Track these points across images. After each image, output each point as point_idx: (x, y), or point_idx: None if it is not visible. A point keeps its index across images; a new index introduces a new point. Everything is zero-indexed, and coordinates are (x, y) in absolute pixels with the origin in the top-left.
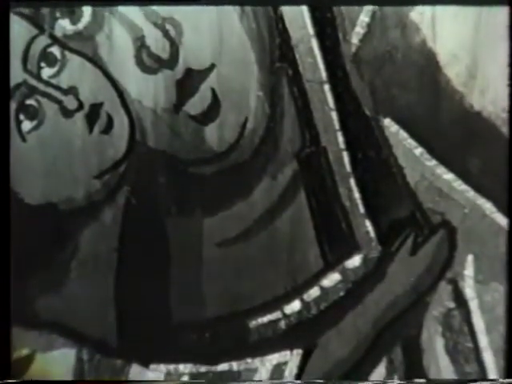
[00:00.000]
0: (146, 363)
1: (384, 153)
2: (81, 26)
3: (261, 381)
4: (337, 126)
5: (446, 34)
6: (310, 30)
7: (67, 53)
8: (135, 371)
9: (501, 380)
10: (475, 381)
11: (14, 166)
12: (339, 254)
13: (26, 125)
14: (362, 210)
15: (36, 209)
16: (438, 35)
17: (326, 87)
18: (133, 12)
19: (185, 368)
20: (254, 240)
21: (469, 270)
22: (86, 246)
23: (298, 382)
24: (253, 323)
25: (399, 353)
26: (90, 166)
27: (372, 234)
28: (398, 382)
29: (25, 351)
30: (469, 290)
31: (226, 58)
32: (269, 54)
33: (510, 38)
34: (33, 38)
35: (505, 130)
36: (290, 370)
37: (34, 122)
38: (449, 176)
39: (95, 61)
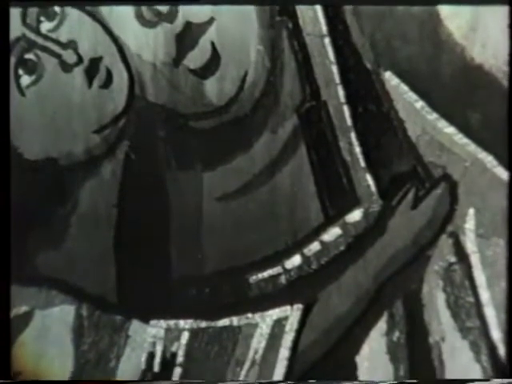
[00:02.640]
0: (146, 319)
1: (385, 106)
2: None
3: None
4: (337, 79)
5: None
6: None
7: (66, 7)
8: (135, 327)
9: (501, 380)
10: (475, 381)
11: (12, 120)
12: (340, 208)
13: (25, 79)
14: (362, 164)
15: (35, 164)
16: None
17: (327, 41)
18: None
19: (185, 324)
20: (254, 194)
21: (470, 224)
22: (86, 201)
23: (291, 382)
24: (253, 278)
25: (400, 307)
26: (90, 121)
27: (373, 187)
28: (391, 381)
29: (24, 308)
30: (470, 244)
31: (226, 12)
32: (268, 7)
33: (510, 37)
34: None
35: (506, 83)
36: (291, 325)
37: (33, 77)
38: (450, 130)
39: (94, 15)
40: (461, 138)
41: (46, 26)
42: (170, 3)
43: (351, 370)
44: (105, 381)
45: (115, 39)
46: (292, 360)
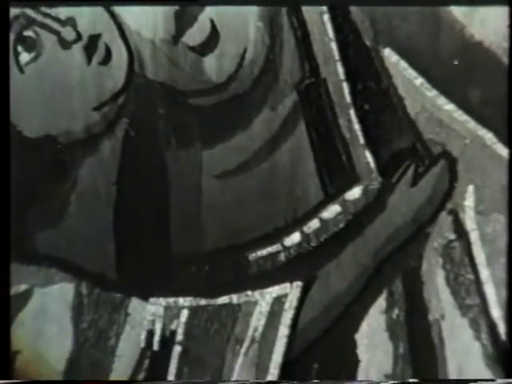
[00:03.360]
0: (145, 297)
1: (384, 83)
2: None
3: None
4: (336, 56)
5: None
6: None
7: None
8: (135, 305)
9: (500, 380)
10: (475, 381)
11: (11, 98)
12: (339, 185)
13: (24, 56)
14: (362, 141)
15: (35, 142)
16: None
17: (326, 17)
18: None
19: (184, 301)
20: (254, 172)
21: (469, 201)
22: (85, 179)
23: (295, 382)
24: (252, 256)
25: (399, 285)
26: (89, 98)
27: (372, 165)
28: (393, 381)
29: (23, 286)
30: (469, 221)
31: None
32: None
33: (510, 37)
34: None
35: (506, 59)
36: (290, 303)
37: (32, 54)
38: (449, 106)
39: None
40: (460, 115)
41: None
42: (170, 3)
43: (350, 348)
44: (105, 381)
45: (114, 16)
46: (291, 338)
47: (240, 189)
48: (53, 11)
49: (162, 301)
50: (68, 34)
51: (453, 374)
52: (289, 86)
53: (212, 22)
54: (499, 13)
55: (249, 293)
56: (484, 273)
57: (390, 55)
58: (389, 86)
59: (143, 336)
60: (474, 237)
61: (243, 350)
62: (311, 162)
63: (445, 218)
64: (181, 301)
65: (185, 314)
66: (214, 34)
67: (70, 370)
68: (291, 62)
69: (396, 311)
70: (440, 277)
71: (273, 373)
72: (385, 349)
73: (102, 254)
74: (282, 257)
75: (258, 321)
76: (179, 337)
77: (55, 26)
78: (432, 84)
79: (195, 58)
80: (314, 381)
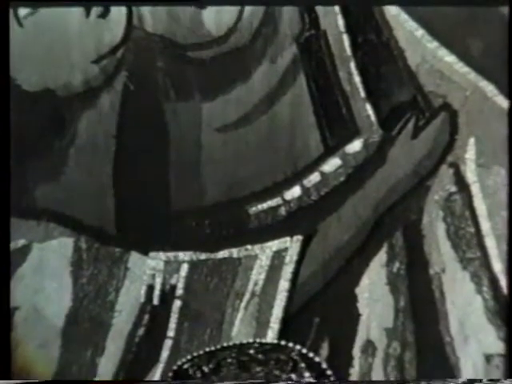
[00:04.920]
0: (145, 251)
1: (384, 35)
2: None
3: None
4: (336, 8)
5: None
6: None
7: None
8: (134, 259)
9: (508, 381)
10: (475, 381)
11: (10, 51)
12: (339, 138)
13: (23, 10)
14: (362, 93)
15: (34, 95)
16: None
17: None
18: None
19: (184, 256)
20: (254, 125)
21: (470, 154)
22: (84, 132)
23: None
24: (252, 209)
25: (400, 238)
26: (88, 51)
27: (373, 117)
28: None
29: (22, 242)
30: (470, 174)
31: None
32: None
33: (509, 38)
34: None
35: (505, 10)
36: (290, 257)
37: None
38: (450, 58)
39: None
40: (461, 67)
41: None
42: (171, 3)
43: (351, 302)
44: (105, 381)
45: None
46: (292, 292)
47: (240, 142)
48: None
49: (162, 255)
50: None
51: (454, 328)
52: (288, 39)
53: None
54: None
55: (249, 247)
56: (485, 226)
57: (390, 7)
58: (389, 38)
59: (143, 291)
60: (475, 190)
61: (243, 304)
62: (311, 115)
63: (445, 171)
64: (181, 255)
65: (185, 268)
66: None
67: (68, 325)
68: (291, 13)
69: (397, 265)
70: (441, 230)
71: (273, 327)
72: (385, 302)
73: (102, 208)
74: (282, 210)
75: (258, 275)
76: (179, 291)
77: None
78: (433, 35)
79: (194, 10)
80: (311, 381)
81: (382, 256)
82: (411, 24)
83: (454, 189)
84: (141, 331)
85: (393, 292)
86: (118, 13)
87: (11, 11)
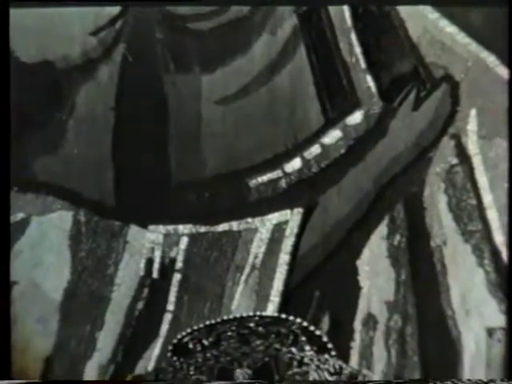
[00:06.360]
0: (144, 224)
1: (385, 6)
2: None
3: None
4: None
5: None
6: None
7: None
8: (133, 232)
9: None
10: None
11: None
12: (340, 110)
13: None
14: (363, 65)
15: (32, 67)
16: None
17: None
18: None
19: (184, 229)
20: (254, 97)
21: (472, 125)
22: (83, 104)
23: None
24: (253, 182)
25: (401, 211)
26: (86, 23)
27: (373, 89)
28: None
29: (20, 215)
30: (472, 146)
31: None
32: None
33: (509, 38)
34: None
35: None
36: (291, 230)
37: None
38: (451, 29)
39: None
40: (463, 37)
41: None
42: (171, 3)
43: (352, 275)
44: (105, 381)
45: None
46: (292, 265)
47: (240, 114)
48: None
49: (162, 228)
50: None
51: (456, 301)
52: (289, 10)
53: None
54: None
55: (249, 220)
56: (487, 198)
57: None
58: (390, 8)
59: (142, 264)
60: (477, 161)
61: (243, 277)
62: (311, 87)
63: (447, 143)
64: (180, 228)
65: (184, 241)
66: None
67: (67, 300)
68: None
69: (398, 237)
70: (442, 202)
71: (273, 300)
72: (386, 275)
73: (101, 181)
74: (283, 183)
75: (258, 248)
76: (179, 264)
77: None
78: (434, 6)
79: None
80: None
81: (382, 229)
82: None
83: (455, 161)
84: (140, 305)
85: (394, 265)
86: None
87: None
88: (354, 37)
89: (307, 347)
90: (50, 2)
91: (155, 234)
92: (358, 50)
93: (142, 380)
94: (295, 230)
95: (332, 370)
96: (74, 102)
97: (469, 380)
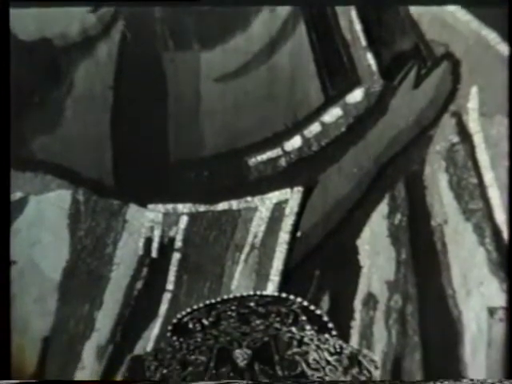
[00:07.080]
0: (143, 203)
1: None
2: None
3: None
4: None
5: None
6: None
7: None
8: (132, 211)
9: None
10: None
11: None
12: (340, 88)
13: None
14: (363, 42)
15: (31, 45)
16: None
17: None
18: None
19: (183, 208)
20: (253, 75)
21: (473, 103)
22: (81, 83)
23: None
24: (252, 161)
25: (402, 189)
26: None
27: (374, 67)
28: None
29: (18, 194)
30: (473, 124)
31: None
32: None
33: (509, 38)
34: None
35: None
36: (291, 208)
37: None
38: (452, 6)
39: None
40: (464, 15)
41: None
42: (171, 3)
43: (352, 254)
44: (105, 381)
45: None
46: (292, 244)
47: (239, 92)
48: None
49: (161, 207)
50: None
51: (456, 281)
52: None
53: None
54: None
55: (249, 198)
56: (488, 176)
57: None
58: None
59: (141, 243)
60: (478, 139)
61: (243, 256)
62: (311, 64)
63: (448, 121)
64: (180, 207)
65: (184, 220)
66: None
67: (66, 279)
68: None
69: (398, 216)
70: (443, 181)
71: (273, 280)
72: (387, 255)
73: (99, 160)
74: (283, 161)
75: (258, 227)
76: (178, 243)
77: None
78: None
79: None
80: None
81: (383, 207)
82: None
83: (456, 139)
84: (139, 284)
85: (394, 244)
86: None
87: None
88: (354, 14)
89: (307, 327)
90: (50, 1)
91: (154, 213)
92: (358, 27)
93: (136, 380)
94: (295, 209)
95: (332, 349)
96: (72, 80)
97: (470, 380)
